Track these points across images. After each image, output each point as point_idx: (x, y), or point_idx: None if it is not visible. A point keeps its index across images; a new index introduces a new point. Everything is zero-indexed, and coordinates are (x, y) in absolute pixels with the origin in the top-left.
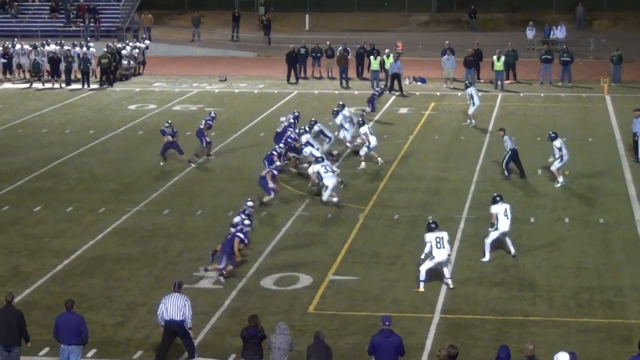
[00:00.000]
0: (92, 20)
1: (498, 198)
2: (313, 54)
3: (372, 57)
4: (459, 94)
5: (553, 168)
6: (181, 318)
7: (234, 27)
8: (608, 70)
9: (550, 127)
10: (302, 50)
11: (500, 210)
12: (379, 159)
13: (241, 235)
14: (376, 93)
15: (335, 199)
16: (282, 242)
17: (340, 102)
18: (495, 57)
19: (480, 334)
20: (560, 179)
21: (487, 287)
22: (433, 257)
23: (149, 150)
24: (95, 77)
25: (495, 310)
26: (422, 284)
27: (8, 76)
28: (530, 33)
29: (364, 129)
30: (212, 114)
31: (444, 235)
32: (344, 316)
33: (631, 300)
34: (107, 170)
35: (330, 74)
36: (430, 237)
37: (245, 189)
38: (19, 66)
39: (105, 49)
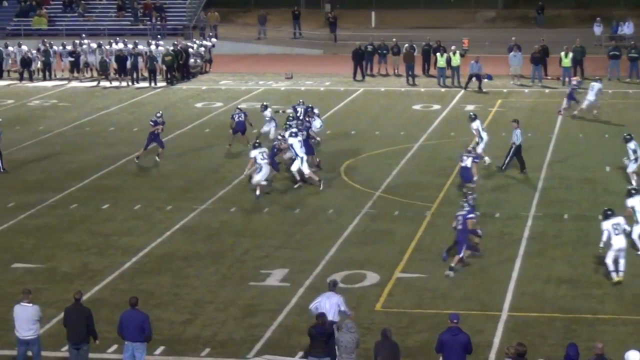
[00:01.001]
0: (159, 18)
1: (633, 191)
2: (379, 51)
3: (438, 54)
4: (527, 90)
5: (629, 170)
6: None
7: (295, 25)
8: None
9: (618, 123)
10: (369, 48)
11: (636, 203)
12: (486, 158)
13: (472, 216)
14: (575, 85)
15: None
16: (349, 240)
17: (264, 103)
18: (562, 54)
19: (549, 332)
20: (634, 182)
21: (555, 285)
22: (612, 245)
23: (216, 148)
24: (162, 75)
25: (563, 308)
26: (613, 274)
27: (76, 74)
28: (597, 29)
29: (476, 124)
30: (158, 114)
31: (621, 220)
32: (412, 314)
33: None
34: (174, 168)
35: (396, 71)
36: (607, 225)
37: (309, 188)
38: (87, 64)
39: (172, 47)
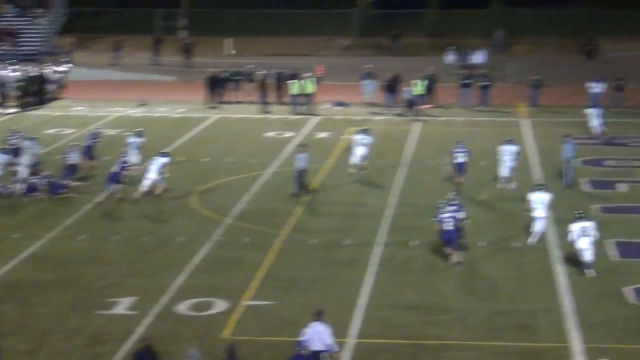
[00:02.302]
0: (12, 43)
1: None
2: (234, 78)
3: (292, 82)
4: (377, 118)
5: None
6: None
7: (156, 51)
8: (527, 95)
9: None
10: (223, 75)
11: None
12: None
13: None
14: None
15: None
16: (198, 267)
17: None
18: (415, 82)
19: (395, 358)
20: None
21: (403, 311)
22: (577, 246)
23: None
24: (13, 100)
25: (410, 334)
26: (586, 271)
27: None
28: (450, 58)
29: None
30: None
31: (587, 225)
32: (260, 341)
33: (544, 324)
34: (22, 195)
35: (250, 98)
36: (575, 227)
37: (161, 215)
38: None
39: (24, 73)
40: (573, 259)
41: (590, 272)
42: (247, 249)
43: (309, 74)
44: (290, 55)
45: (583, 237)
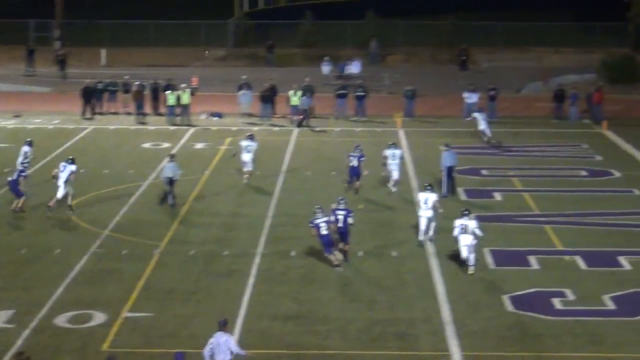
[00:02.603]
0: None
1: (466, 212)
2: (109, 89)
3: (168, 92)
4: (256, 128)
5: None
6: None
7: (29, 62)
8: (401, 105)
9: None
10: (98, 86)
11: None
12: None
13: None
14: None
15: None
16: (76, 280)
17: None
18: (291, 92)
19: None
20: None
21: (282, 322)
22: (460, 241)
23: None
24: None
25: (290, 344)
26: (469, 268)
27: None
28: (325, 68)
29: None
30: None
31: (468, 222)
32: (139, 353)
33: (423, 333)
34: None
35: (126, 109)
36: (457, 222)
37: (36, 226)
38: None
39: None
40: (452, 266)
41: (470, 270)
42: (126, 261)
43: (184, 85)
44: (165, 65)
45: (463, 234)
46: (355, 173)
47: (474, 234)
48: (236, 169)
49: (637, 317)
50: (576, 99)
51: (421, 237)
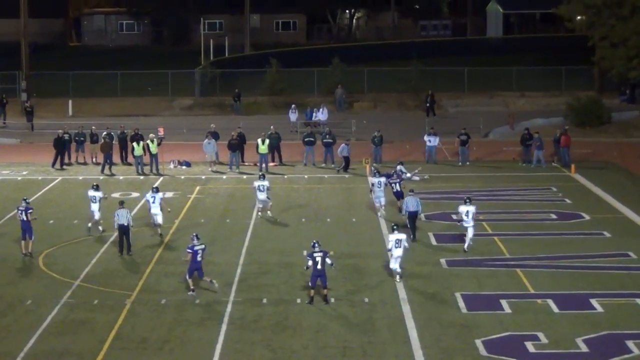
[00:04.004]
0: None
1: (467, 200)
2: (76, 139)
3: (135, 143)
4: (225, 177)
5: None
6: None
7: (1, 114)
8: (370, 151)
9: (315, 208)
10: (66, 136)
11: (463, 211)
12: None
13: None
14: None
15: None
16: (48, 330)
17: None
18: (259, 140)
19: None
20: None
21: None
22: (392, 254)
23: None
24: None
25: None
26: (397, 276)
27: None
28: (293, 116)
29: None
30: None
31: (402, 237)
32: None
33: None
34: None
35: (94, 159)
36: (392, 237)
37: (6, 277)
38: None
39: None
40: (425, 312)
41: (398, 279)
42: (97, 311)
43: (153, 135)
44: (131, 115)
45: (397, 247)
46: (319, 274)
47: (405, 247)
48: (206, 217)
49: None
50: (540, 143)
51: (397, 279)
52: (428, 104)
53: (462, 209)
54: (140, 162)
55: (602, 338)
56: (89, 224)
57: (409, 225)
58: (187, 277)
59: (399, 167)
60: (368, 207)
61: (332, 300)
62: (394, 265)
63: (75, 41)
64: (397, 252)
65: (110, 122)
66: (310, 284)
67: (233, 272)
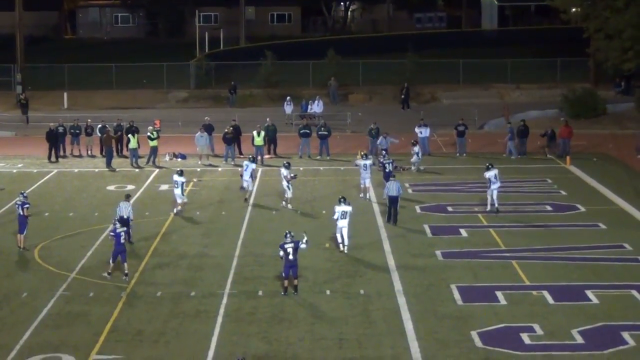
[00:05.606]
0: None
1: (490, 165)
2: (72, 132)
3: (130, 135)
4: (220, 169)
5: None
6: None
7: None
8: (365, 143)
9: (309, 200)
10: (61, 129)
11: (491, 175)
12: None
13: None
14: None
15: None
16: (43, 323)
17: None
18: (255, 132)
19: None
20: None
21: None
22: (337, 225)
23: None
24: None
25: None
26: (340, 246)
27: None
28: (288, 108)
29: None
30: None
31: (347, 209)
32: None
33: None
34: None
35: (89, 152)
36: (338, 209)
37: (5, 269)
38: None
39: None
40: (421, 303)
41: (344, 248)
42: (93, 303)
43: (151, 128)
44: (127, 108)
45: (342, 219)
46: (291, 265)
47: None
48: (202, 209)
49: (606, 351)
50: (512, 134)
51: (341, 247)
52: (403, 96)
53: (490, 173)
54: (135, 155)
55: (598, 329)
56: (174, 210)
57: (388, 209)
58: (111, 261)
59: (381, 139)
60: (364, 199)
61: (328, 292)
62: (339, 236)
63: (70, 34)
64: (342, 223)
65: (106, 114)
66: (283, 275)
67: (229, 265)
